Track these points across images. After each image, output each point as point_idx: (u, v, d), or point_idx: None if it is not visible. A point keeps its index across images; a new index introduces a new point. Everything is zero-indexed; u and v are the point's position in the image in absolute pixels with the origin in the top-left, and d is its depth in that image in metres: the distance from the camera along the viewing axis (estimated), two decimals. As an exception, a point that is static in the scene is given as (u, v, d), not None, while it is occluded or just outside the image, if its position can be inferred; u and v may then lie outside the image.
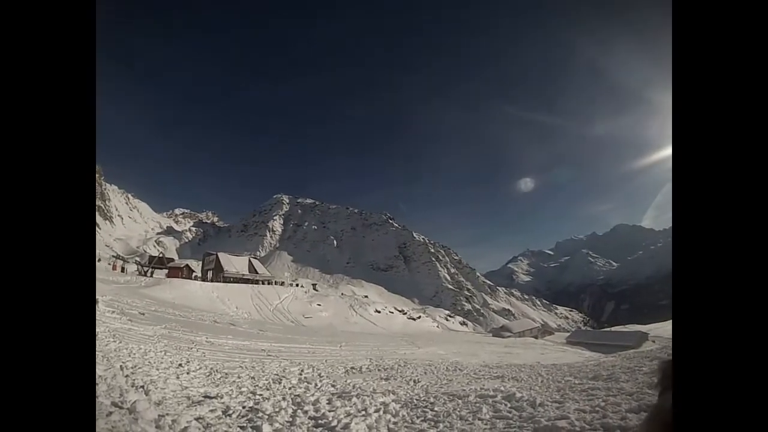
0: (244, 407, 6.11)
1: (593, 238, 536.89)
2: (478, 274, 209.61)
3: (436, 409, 6.38)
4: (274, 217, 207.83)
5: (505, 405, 6.44)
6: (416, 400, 7.14)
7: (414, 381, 10.19)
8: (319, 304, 59.08)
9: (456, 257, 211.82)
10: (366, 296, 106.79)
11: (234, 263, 63.78)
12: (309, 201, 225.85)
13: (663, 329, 59.52)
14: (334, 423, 5.47)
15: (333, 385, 8.65)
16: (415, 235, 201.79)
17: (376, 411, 6.20)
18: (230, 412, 5.81)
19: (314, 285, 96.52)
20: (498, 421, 5.58)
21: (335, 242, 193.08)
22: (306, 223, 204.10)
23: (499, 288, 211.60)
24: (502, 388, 7.93)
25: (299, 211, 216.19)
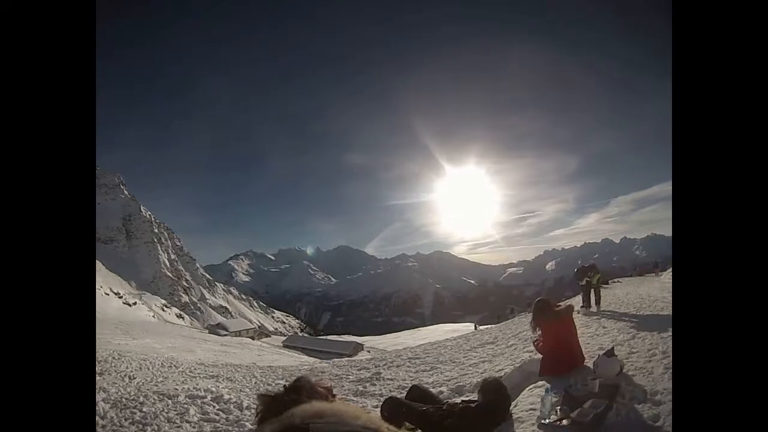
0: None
1: (317, 252, 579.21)
2: (198, 265, 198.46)
3: (144, 410, 6.17)
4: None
5: (213, 407, 6.46)
6: (126, 399, 6.82)
7: (129, 377, 9.67)
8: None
9: (178, 243, 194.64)
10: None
11: None
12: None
13: (377, 342, 63.96)
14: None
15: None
16: (143, 209, 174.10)
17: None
18: None
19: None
20: (206, 424, 5.64)
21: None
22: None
23: (218, 284, 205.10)
24: (213, 389, 7.87)
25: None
